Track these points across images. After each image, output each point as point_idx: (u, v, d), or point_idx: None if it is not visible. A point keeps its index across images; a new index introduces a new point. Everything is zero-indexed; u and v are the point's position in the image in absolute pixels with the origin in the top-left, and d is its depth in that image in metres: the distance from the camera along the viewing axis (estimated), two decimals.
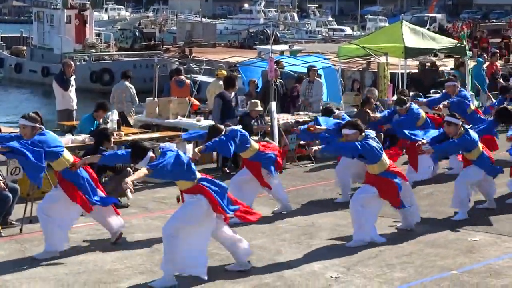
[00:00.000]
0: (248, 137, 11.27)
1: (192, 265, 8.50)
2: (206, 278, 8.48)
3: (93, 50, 44.19)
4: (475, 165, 11.50)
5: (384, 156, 10.17)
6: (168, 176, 8.73)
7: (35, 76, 44.83)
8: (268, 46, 40.36)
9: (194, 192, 8.58)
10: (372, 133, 10.38)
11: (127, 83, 17.58)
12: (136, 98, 17.59)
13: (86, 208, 9.63)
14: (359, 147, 9.91)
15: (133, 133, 15.10)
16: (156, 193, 13.01)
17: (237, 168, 14.41)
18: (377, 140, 10.26)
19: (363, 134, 10.07)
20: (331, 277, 8.75)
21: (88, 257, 9.40)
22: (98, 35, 47.64)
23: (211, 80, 19.89)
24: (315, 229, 10.83)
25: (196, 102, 17.36)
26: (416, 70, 27.89)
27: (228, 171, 14.69)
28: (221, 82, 17.14)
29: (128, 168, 12.30)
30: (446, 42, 22.01)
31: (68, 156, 9.62)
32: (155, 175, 8.44)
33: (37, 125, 9.52)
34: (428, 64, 27.87)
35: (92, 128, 14.06)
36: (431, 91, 21.96)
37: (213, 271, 8.81)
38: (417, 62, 29.95)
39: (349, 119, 11.51)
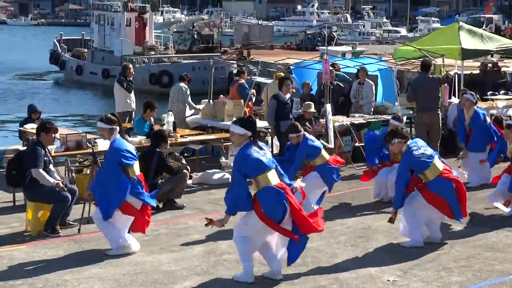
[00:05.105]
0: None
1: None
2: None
3: (153, 53, 44.68)
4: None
5: (435, 161, 9.96)
6: None
7: (95, 78, 45.43)
8: (331, 48, 40.24)
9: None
10: (418, 141, 10.20)
11: (182, 84, 17.69)
12: (190, 101, 17.54)
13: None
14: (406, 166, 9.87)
15: (188, 135, 15.19)
16: (211, 195, 13.07)
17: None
18: (424, 146, 10.08)
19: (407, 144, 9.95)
20: (388, 280, 8.68)
21: (144, 258, 9.48)
22: (157, 37, 48.10)
23: (269, 81, 19.82)
24: (371, 231, 10.76)
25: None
26: (477, 71, 27.43)
27: None
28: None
29: (185, 170, 12.41)
30: (504, 42, 21.66)
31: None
32: None
33: (114, 126, 9.66)
34: (490, 65, 27.36)
35: (145, 130, 14.27)
36: (488, 93, 21.64)
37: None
38: (477, 63, 29.48)
39: None
